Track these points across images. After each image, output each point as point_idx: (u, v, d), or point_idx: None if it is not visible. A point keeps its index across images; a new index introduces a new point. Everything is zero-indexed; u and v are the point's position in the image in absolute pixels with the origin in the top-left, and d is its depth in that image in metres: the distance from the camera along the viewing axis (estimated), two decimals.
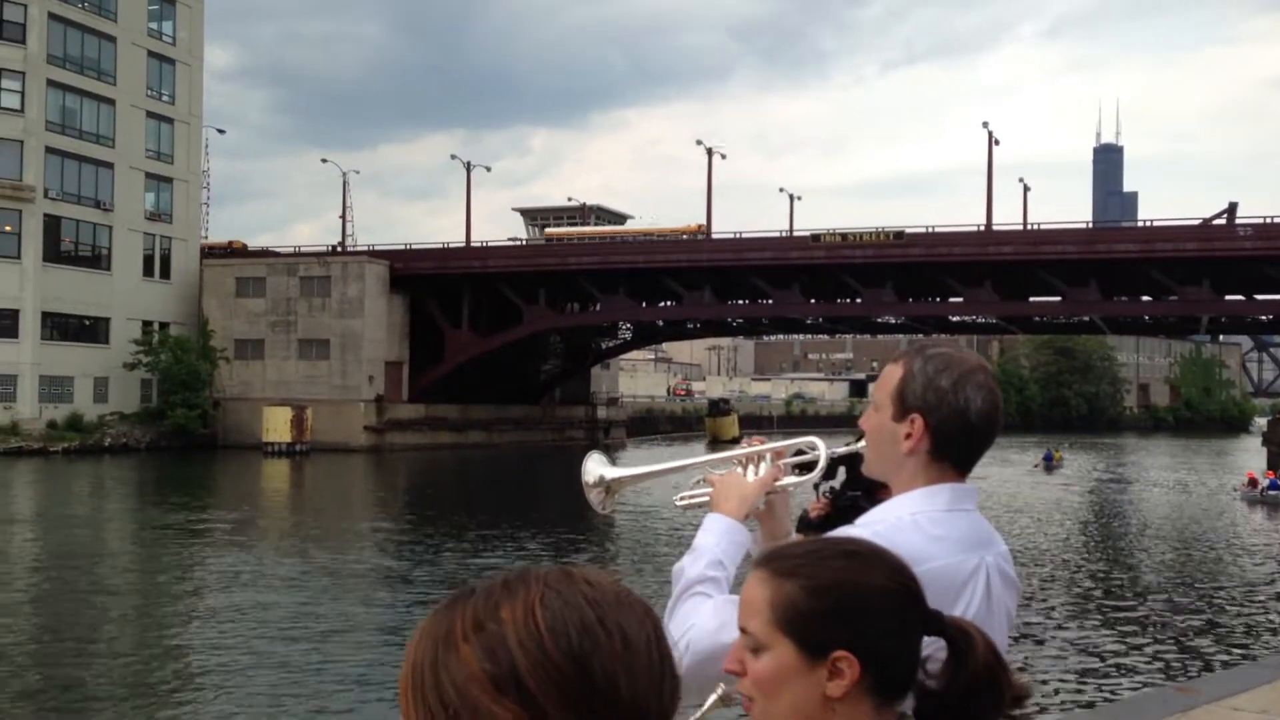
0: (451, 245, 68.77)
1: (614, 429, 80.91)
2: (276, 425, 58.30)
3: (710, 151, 68.79)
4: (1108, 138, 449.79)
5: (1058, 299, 58.86)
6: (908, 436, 1.99)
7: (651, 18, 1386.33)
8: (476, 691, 0.96)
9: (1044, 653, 15.24)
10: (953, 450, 1.99)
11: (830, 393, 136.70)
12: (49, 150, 57.70)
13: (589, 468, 2.53)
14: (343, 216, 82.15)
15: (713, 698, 1.73)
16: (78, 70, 59.39)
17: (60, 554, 23.94)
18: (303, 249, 71.20)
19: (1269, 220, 52.45)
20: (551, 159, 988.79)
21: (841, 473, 2.52)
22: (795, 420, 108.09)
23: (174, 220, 64.80)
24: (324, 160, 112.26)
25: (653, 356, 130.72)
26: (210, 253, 70.53)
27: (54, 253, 58.01)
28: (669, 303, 66.71)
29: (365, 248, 72.35)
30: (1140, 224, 63.60)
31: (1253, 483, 39.80)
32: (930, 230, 58.96)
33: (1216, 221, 54.15)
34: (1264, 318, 60.67)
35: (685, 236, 68.87)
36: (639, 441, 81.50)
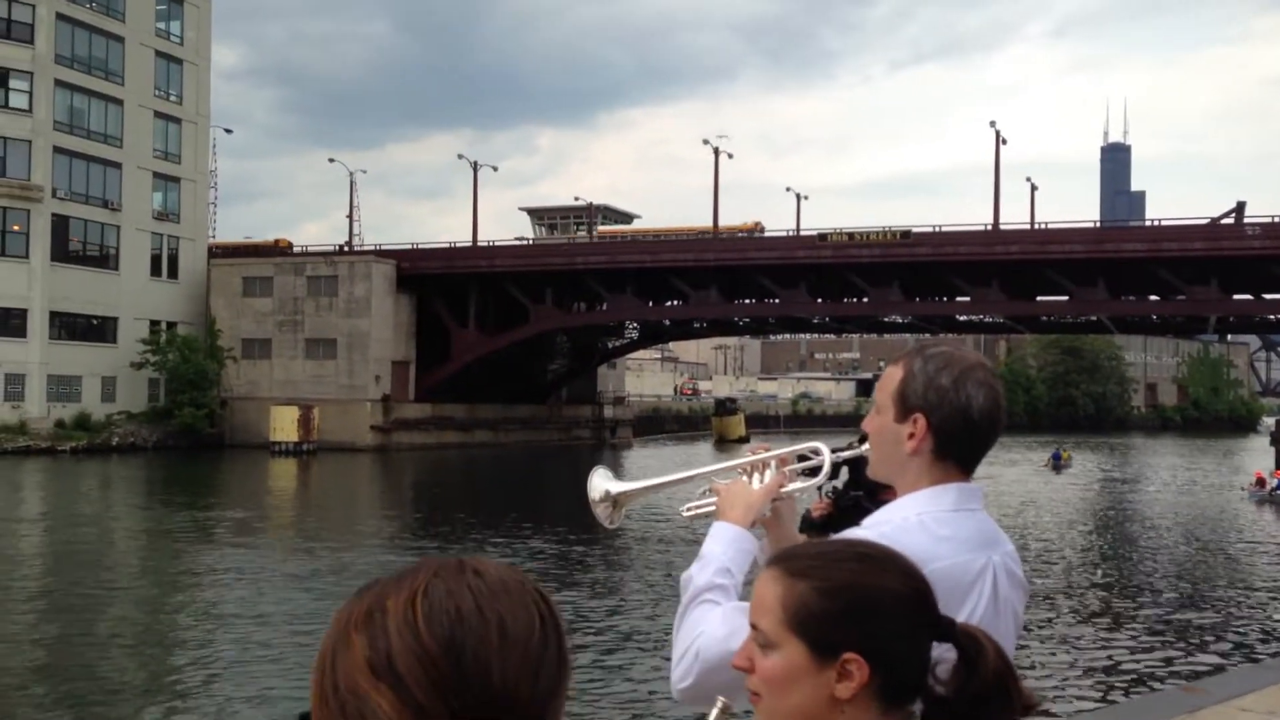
0: (458, 245, 68.82)
1: (620, 428, 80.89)
2: (283, 425, 58.39)
3: (717, 151, 68.79)
4: (1115, 137, 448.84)
5: (1065, 299, 58.74)
6: (911, 437, 1.99)
7: (658, 17, 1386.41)
8: (359, 678, 1.01)
9: (1051, 652, 15.21)
10: (956, 449, 2.00)
11: (837, 392, 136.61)
12: (57, 150, 57.83)
13: (594, 483, 2.54)
14: (350, 216, 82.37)
15: (714, 711, 1.73)
16: (85, 70, 59.52)
17: (67, 553, 24.01)
18: (310, 248, 71.35)
19: (1277, 220, 52.30)
20: (558, 158, 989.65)
21: (844, 473, 2.53)
22: (802, 420, 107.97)
23: (181, 220, 64.94)
24: (331, 160, 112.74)
25: (659, 356, 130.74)
26: (257, 251, 71.38)
27: (62, 252, 58.14)
28: (676, 302, 66.71)
29: (372, 247, 72.44)
30: (1148, 223, 63.42)
31: (1261, 482, 39.70)
32: (937, 230, 58.90)
33: (1224, 221, 54.02)
34: (1272, 317, 60.52)
35: (742, 234, 69.18)
36: (645, 441, 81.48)
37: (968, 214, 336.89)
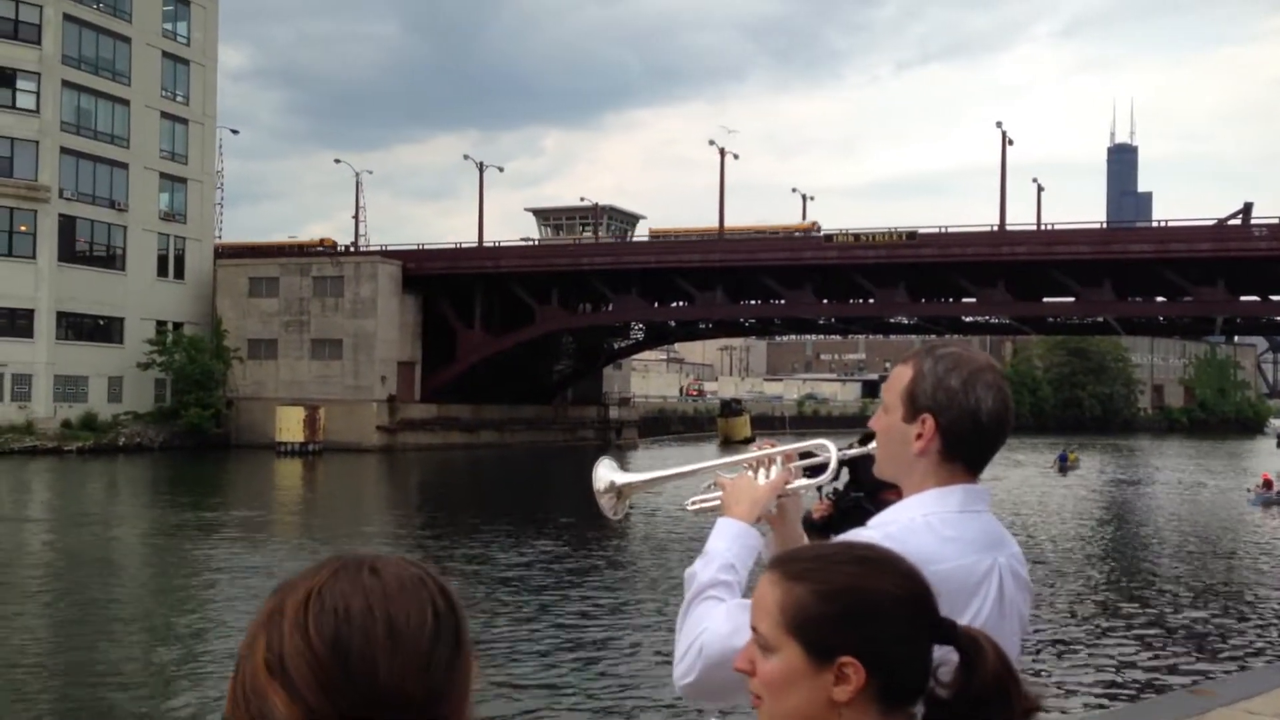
0: (464, 245, 68.89)
1: (626, 429, 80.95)
2: (289, 425, 58.51)
3: (723, 152, 68.72)
4: (1122, 137, 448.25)
5: (1071, 299, 58.67)
6: (919, 437, 1.98)
7: (665, 17, 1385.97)
8: (260, 677, 1.03)
9: (1058, 654, 15.17)
10: (964, 450, 1.98)
11: (842, 393, 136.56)
12: (64, 151, 57.98)
13: (599, 474, 2.55)
14: (356, 216, 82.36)
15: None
16: (92, 71, 59.66)
17: (74, 552, 24.05)
18: (316, 247, 71.49)
19: None
20: (564, 159, 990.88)
21: (845, 474, 2.52)
22: (807, 421, 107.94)
23: (188, 220, 65.07)
24: (337, 160, 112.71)
25: (665, 357, 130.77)
26: (303, 250, 72.07)
27: (69, 253, 58.30)
28: (681, 303, 66.71)
29: (378, 248, 72.56)
30: (1155, 224, 63.33)
31: (1268, 484, 39.53)
32: (943, 230, 58.85)
33: (1231, 222, 53.93)
34: (1279, 318, 60.40)
35: (798, 234, 69.30)
36: (651, 442, 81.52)
37: (974, 214, 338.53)
